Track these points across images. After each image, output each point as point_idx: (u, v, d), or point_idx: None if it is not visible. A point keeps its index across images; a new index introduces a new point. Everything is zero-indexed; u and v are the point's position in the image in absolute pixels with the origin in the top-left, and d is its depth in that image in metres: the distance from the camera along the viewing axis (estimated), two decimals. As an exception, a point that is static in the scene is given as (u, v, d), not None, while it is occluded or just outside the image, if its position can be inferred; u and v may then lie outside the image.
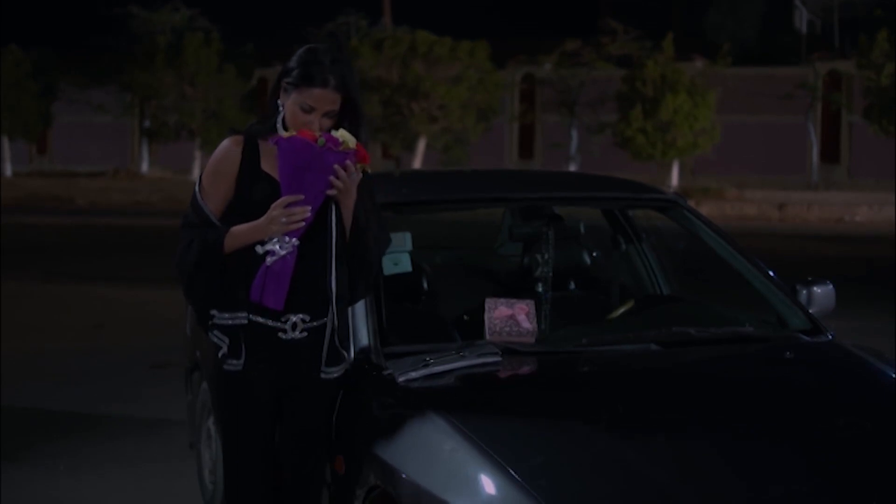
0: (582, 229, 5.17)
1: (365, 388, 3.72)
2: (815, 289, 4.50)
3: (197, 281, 3.51)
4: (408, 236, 4.44)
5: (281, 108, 3.51)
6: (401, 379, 3.64)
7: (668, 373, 3.91)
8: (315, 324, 3.53)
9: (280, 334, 3.51)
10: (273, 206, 3.42)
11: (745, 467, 3.18)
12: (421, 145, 30.24)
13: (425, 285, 4.72)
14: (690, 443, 3.34)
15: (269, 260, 3.44)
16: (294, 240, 3.44)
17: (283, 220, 3.40)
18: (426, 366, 3.66)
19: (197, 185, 3.57)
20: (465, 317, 4.51)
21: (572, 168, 30.33)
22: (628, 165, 27.23)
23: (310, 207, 3.41)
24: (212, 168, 3.55)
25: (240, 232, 3.46)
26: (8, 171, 33.89)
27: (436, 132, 29.93)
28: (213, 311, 3.51)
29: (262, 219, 3.43)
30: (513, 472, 3.09)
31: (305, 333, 3.52)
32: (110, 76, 33.01)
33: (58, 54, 34.36)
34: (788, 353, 4.18)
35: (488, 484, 3.10)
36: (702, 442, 3.35)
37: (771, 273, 4.53)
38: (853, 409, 3.64)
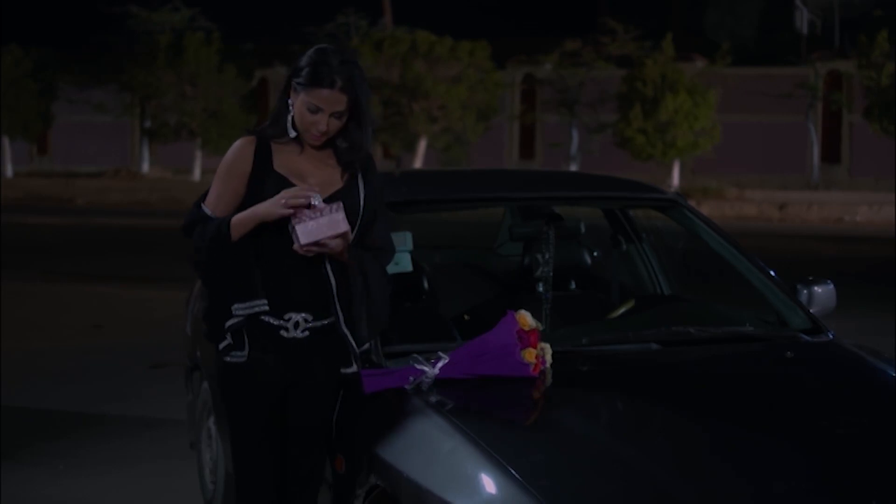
0: (582, 229, 5.16)
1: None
2: (815, 288, 4.50)
3: (214, 270, 3.52)
4: (408, 236, 4.43)
5: (291, 108, 3.53)
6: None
7: (669, 372, 3.92)
8: (318, 324, 3.54)
9: (282, 332, 3.51)
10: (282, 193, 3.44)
11: (746, 466, 3.18)
12: (421, 145, 30.26)
13: (425, 285, 4.72)
14: (690, 442, 3.34)
15: (409, 381, 3.55)
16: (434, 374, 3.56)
17: (283, 202, 3.40)
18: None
19: (203, 195, 3.59)
20: (466, 317, 4.51)
21: (572, 168, 30.33)
22: (628, 165, 27.25)
23: (319, 195, 3.40)
24: (225, 167, 3.57)
25: (243, 217, 3.47)
26: (8, 171, 33.89)
27: (436, 132, 29.95)
28: (235, 305, 3.49)
29: (265, 203, 3.44)
30: (513, 471, 3.09)
31: (307, 333, 3.52)
32: (110, 75, 33.01)
33: (58, 54, 34.35)
34: (789, 352, 4.18)
35: (488, 483, 3.10)
36: (702, 441, 3.35)
37: (771, 273, 4.53)
38: (853, 409, 3.65)
